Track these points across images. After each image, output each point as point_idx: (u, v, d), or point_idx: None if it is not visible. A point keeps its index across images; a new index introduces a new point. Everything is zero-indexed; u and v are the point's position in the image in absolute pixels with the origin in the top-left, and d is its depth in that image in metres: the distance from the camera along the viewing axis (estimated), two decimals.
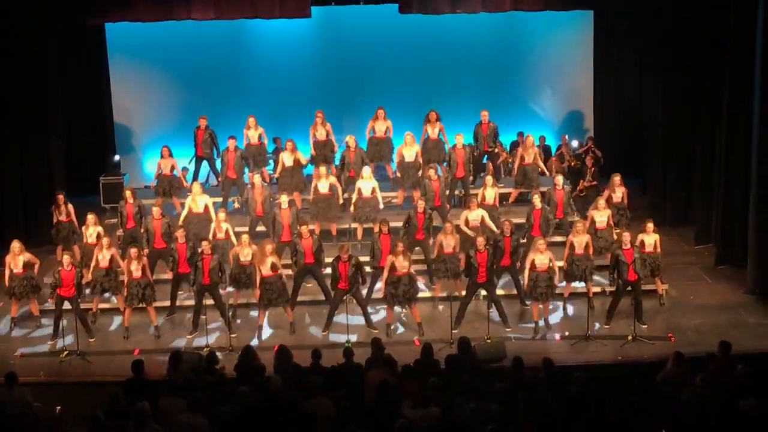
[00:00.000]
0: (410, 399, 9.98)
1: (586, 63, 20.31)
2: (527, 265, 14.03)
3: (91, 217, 15.14)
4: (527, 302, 14.55)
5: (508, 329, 14.17)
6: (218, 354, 12.47)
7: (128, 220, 15.61)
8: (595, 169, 17.91)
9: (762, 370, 10.90)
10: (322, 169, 16.32)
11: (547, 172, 17.18)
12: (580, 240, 14.39)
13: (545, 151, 19.21)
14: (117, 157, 19.45)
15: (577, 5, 17.46)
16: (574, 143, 19.38)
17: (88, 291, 14.48)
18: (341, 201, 16.33)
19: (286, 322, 14.43)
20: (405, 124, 18.29)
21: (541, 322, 14.21)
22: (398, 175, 16.89)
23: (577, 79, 20.48)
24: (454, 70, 20.23)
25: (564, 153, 18.93)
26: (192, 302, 14.46)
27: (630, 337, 13.69)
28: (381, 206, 16.22)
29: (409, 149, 16.78)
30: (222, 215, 15.19)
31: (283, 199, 15.52)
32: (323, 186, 16.03)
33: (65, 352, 13.52)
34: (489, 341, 13.49)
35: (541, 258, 13.92)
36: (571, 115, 20.72)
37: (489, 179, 16.23)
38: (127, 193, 15.85)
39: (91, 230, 15.01)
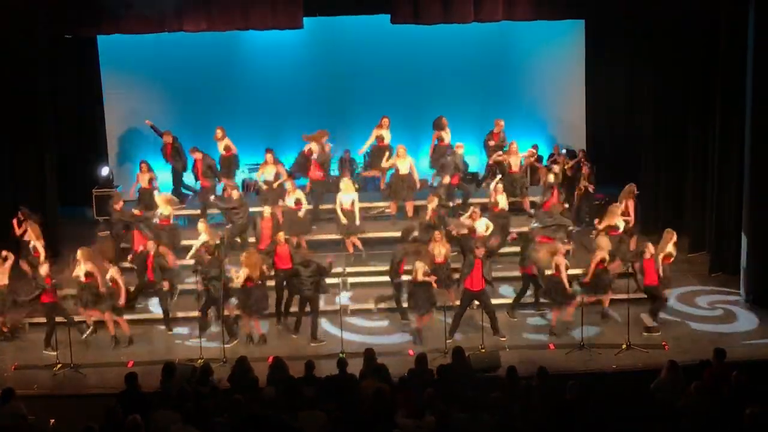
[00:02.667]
0: (405, 409, 9.96)
1: (578, 71, 20.36)
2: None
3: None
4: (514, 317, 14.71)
5: (502, 338, 14.17)
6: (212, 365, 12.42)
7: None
8: (591, 177, 17.93)
9: (756, 377, 10.91)
10: (288, 184, 16.60)
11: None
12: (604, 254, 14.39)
13: (537, 160, 19.22)
14: (106, 170, 19.41)
15: (569, 15, 17.49)
16: (563, 151, 19.42)
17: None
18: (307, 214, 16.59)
19: (282, 333, 14.47)
20: (398, 134, 18.31)
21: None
22: (390, 186, 16.95)
23: (569, 87, 20.51)
24: (446, 80, 20.25)
25: (559, 160, 18.92)
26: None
27: (624, 346, 13.69)
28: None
29: (402, 161, 16.86)
30: (200, 226, 15.34)
31: (266, 209, 15.75)
32: (290, 201, 16.33)
33: (59, 365, 13.47)
34: (483, 351, 13.48)
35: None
36: (562, 123, 20.75)
37: (500, 186, 16.32)
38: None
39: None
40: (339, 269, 15.74)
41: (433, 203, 15.68)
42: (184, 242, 16.13)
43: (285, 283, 14.86)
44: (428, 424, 9.60)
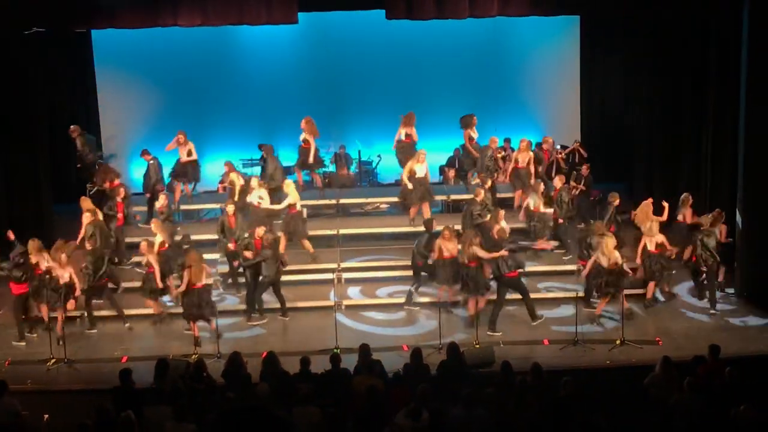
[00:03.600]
0: (400, 405, 9.96)
1: (573, 67, 20.37)
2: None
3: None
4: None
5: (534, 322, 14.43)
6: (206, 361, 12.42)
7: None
8: (589, 176, 17.95)
9: (749, 373, 10.94)
10: (254, 181, 16.53)
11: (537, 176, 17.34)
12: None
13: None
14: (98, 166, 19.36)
15: (564, 11, 17.47)
16: (558, 147, 19.43)
17: None
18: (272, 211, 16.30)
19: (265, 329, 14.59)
20: (391, 129, 18.28)
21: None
22: (409, 188, 16.75)
23: (564, 83, 20.52)
24: (441, 75, 20.27)
25: (554, 154, 18.92)
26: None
27: (618, 342, 13.71)
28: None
29: (420, 166, 16.78)
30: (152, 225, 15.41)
31: (229, 207, 15.73)
32: (253, 198, 16.21)
33: (52, 360, 13.46)
34: (478, 346, 13.50)
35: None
36: (557, 118, 20.76)
37: (542, 186, 16.48)
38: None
39: None
40: (333, 265, 15.79)
41: (480, 195, 15.85)
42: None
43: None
44: (423, 420, 9.59)
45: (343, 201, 17.96)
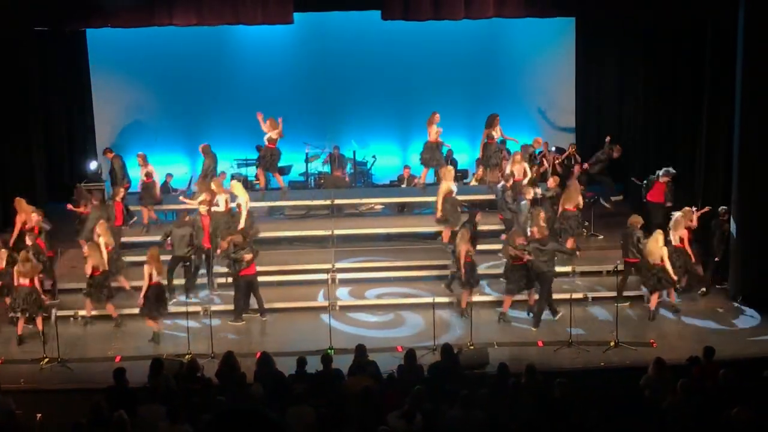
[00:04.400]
0: (393, 406, 9.94)
1: (568, 68, 20.38)
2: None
3: None
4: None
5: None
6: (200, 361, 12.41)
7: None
8: (582, 176, 17.98)
9: (744, 375, 10.94)
10: (214, 185, 16.19)
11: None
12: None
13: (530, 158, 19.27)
14: (94, 164, 19.33)
15: (559, 12, 17.49)
16: (552, 149, 19.46)
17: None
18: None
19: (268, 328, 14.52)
20: (388, 129, 18.30)
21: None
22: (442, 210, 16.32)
23: (559, 84, 20.54)
24: (436, 76, 20.26)
25: (548, 158, 18.95)
26: None
27: (612, 343, 13.71)
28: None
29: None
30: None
31: (201, 208, 15.62)
32: (221, 201, 15.90)
33: (46, 360, 13.42)
34: (472, 348, 13.49)
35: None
36: (553, 120, 20.77)
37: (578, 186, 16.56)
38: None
39: None
40: (327, 265, 15.79)
41: (529, 194, 15.87)
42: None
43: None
44: (417, 422, 9.59)
45: (338, 201, 17.92)
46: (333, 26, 19.51)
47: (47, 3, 15.95)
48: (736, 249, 15.42)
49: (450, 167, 16.98)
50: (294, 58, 20.30)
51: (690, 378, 10.68)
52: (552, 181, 16.84)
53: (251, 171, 19.93)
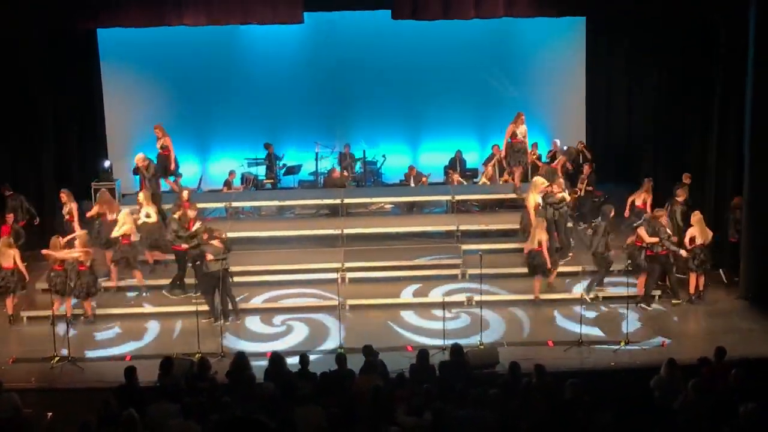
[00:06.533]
0: (403, 405, 9.93)
1: (579, 68, 20.34)
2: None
3: None
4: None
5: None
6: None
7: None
8: (592, 175, 17.97)
9: (755, 375, 10.90)
10: (140, 195, 16.15)
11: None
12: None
13: (537, 158, 19.27)
14: (108, 163, 19.36)
15: (569, 12, 17.46)
16: (565, 148, 19.41)
17: None
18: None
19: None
20: (397, 129, 18.29)
21: None
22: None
23: (569, 84, 20.50)
24: (446, 75, 20.25)
25: (558, 157, 18.94)
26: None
27: (623, 343, 13.67)
28: None
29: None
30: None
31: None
32: (144, 214, 15.89)
33: (56, 358, 13.46)
34: (482, 347, 13.47)
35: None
36: (563, 119, 20.74)
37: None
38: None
39: None
40: (337, 264, 15.77)
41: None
42: None
43: None
44: (428, 422, 9.57)
45: (347, 201, 17.91)
46: (343, 26, 19.52)
47: (57, 3, 16.00)
48: (746, 249, 15.36)
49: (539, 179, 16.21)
50: (304, 58, 20.31)
51: (701, 378, 10.64)
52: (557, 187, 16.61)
53: (261, 170, 19.97)
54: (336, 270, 15.54)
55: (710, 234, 14.97)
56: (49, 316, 13.74)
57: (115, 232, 15.33)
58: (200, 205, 16.55)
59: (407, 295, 15.53)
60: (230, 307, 14.75)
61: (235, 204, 18.08)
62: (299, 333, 14.44)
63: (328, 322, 14.62)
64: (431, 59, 20.11)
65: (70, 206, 16.37)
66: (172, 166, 17.38)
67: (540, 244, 14.90)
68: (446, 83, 20.26)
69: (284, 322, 14.80)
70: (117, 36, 18.51)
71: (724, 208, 16.26)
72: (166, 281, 15.63)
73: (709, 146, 16.79)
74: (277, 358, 11.61)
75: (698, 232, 14.87)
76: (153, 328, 14.72)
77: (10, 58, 16.66)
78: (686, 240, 14.93)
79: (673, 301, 15.13)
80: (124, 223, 15.34)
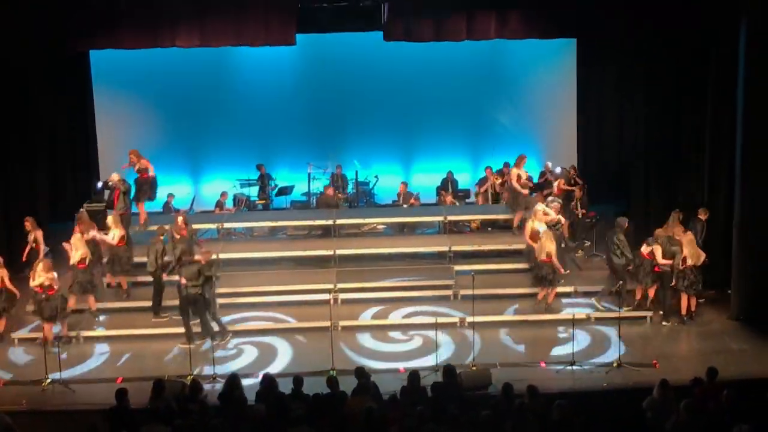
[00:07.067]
0: (396, 427, 9.92)
1: (569, 90, 20.44)
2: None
3: None
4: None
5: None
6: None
7: None
8: (583, 198, 18.03)
9: (747, 396, 10.91)
10: (109, 218, 15.99)
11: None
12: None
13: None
14: (100, 184, 19.37)
15: (560, 34, 17.58)
16: (557, 170, 19.47)
17: None
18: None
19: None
20: (389, 150, 18.33)
21: None
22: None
23: (560, 105, 20.60)
24: (438, 96, 20.34)
25: (550, 180, 19.01)
26: None
27: (615, 364, 13.67)
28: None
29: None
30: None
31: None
32: (112, 236, 15.77)
33: (48, 380, 13.40)
34: (474, 368, 13.46)
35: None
36: (554, 141, 20.81)
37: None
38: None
39: None
40: (329, 285, 15.77)
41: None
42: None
43: None
44: None
45: (339, 221, 17.92)
46: (335, 47, 19.60)
47: (52, 25, 16.05)
48: (738, 268, 15.40)
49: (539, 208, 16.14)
50: (297, 79, 20.39)
51: (693, 399, 10.65)
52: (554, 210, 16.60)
53: (253, 191, 19.98)
54: (328, 291, 15.53)
55: (702, 255, 15.02)
56: (38, 338, 13.68)
57: (73, 259, 14.97)
58: (193, 226, 16.55)
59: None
60: (217, 329, 14.69)
61: (227, 225, 18.04)
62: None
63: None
64: (423, 80, 20.21)
65: (34, 234, 15.95)
66: (150, 193, 17.02)
67: (549, 255, 14.99)
68: (438, 104, 20.34)
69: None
70: (109, 57, 18.55)
71: (717, 227, 16.31)
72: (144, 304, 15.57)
73: (702, 166, 16.86)
74: (268, 380, 11.58)
75: (689, 253, 14.91)
76: (138, 350, 14.65)
77: (3, 79, 16.67)
78: (678, 261, 14.98)
79: (664, 322, 15.17)
80: (77, 249, 14.99)
